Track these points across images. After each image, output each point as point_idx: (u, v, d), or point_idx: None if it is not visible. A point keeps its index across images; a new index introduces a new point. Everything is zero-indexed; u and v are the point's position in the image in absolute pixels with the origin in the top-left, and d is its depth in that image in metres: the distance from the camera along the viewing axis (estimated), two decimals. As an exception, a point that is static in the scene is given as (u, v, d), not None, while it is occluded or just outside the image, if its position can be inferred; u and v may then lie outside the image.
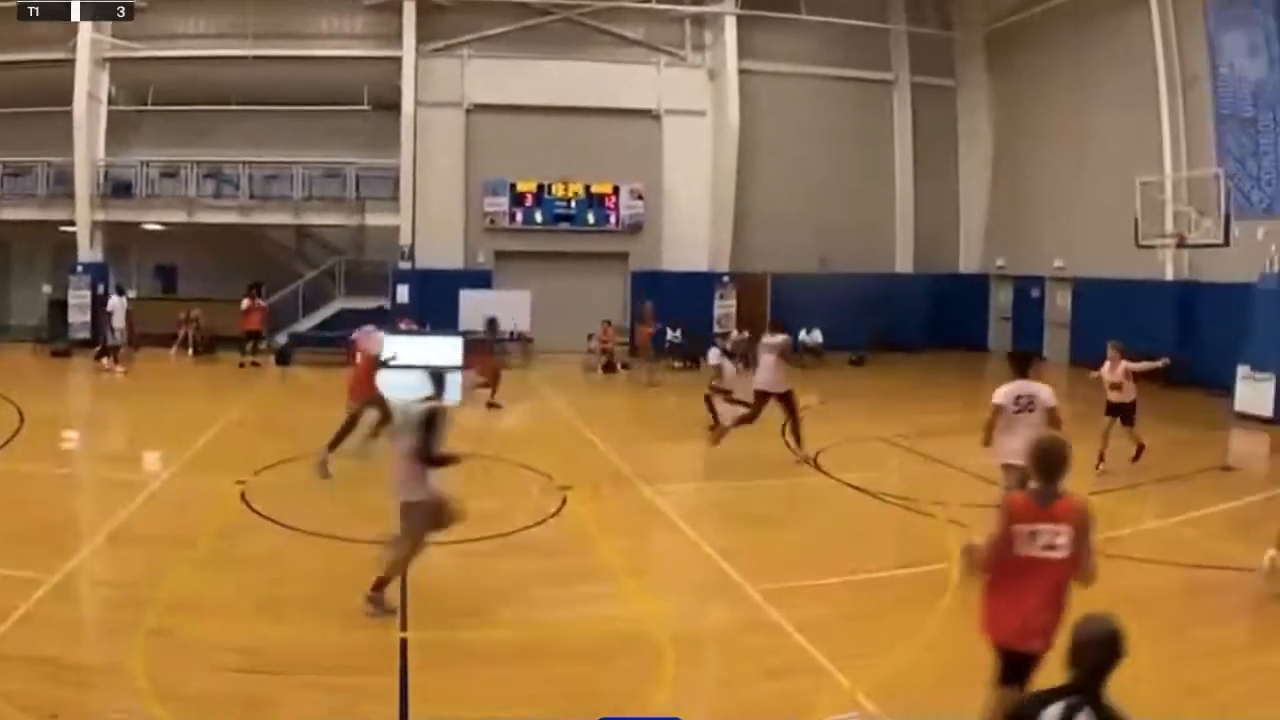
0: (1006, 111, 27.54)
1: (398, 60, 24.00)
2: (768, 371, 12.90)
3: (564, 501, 10.65)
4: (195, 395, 18.88)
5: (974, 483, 11.13)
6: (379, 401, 11.72)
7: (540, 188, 24.78)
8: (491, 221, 24.66)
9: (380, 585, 7.09)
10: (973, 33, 27.70)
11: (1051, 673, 4.02)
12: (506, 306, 23.29)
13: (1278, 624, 6.54)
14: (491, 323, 17.97)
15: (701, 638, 7.21)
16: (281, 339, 23.15)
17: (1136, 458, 12.49)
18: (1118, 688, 3.63)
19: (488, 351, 17.91)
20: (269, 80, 23.69)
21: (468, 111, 24.84)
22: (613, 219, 24.96)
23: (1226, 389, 18.01)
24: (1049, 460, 4.98)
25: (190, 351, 22.64)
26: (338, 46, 24.51)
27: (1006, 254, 27.35)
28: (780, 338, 13.27)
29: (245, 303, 21.56)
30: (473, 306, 23.11)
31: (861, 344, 24.14)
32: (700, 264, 25.52)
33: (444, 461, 7.13)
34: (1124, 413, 12.50)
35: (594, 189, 24.90)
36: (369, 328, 13.64)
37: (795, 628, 7.04)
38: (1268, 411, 17.21)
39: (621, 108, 25.24)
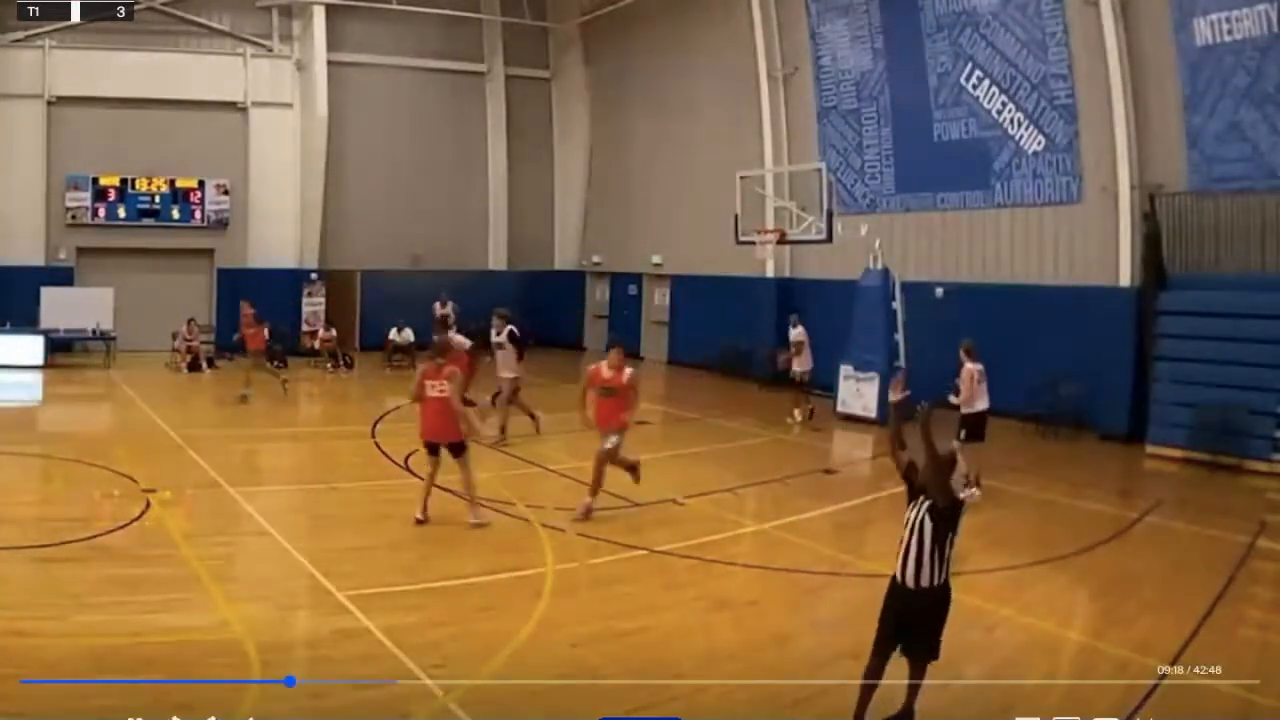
0: (604, 104, 27.73)
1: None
2: None
3: (147, 505, 10.32)
4: None
5: (569, 485, 11.70)
6: None
7: (124, 182, 24.26)
8: (73, 217, 24.06)
9: None
10: (568, 23, 27.80)
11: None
12: (89, 304, 23.37)
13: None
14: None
15: (290, 646, 7.04)
16: None
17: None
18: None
19: None
20: None
21: (50, 104, 23.92)
22: (198, 215, 24.70)
23: (828, 389, 17.66)
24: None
25: None
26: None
27: (603, 250, 27.88)
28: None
29: None
30: (54, 304, 23.01)
31: (453, 344, 23.47)
32: (289, 261, 25.46)
33: None
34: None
35: (178, 184, 24.50)
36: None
37: (387, 635, 7.02)
38: (871, 412, 16.86)
39: (207, 100, 24.76)
